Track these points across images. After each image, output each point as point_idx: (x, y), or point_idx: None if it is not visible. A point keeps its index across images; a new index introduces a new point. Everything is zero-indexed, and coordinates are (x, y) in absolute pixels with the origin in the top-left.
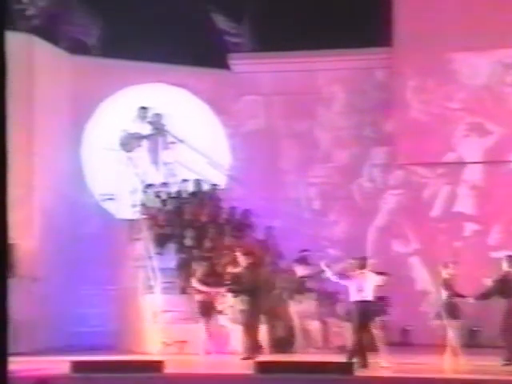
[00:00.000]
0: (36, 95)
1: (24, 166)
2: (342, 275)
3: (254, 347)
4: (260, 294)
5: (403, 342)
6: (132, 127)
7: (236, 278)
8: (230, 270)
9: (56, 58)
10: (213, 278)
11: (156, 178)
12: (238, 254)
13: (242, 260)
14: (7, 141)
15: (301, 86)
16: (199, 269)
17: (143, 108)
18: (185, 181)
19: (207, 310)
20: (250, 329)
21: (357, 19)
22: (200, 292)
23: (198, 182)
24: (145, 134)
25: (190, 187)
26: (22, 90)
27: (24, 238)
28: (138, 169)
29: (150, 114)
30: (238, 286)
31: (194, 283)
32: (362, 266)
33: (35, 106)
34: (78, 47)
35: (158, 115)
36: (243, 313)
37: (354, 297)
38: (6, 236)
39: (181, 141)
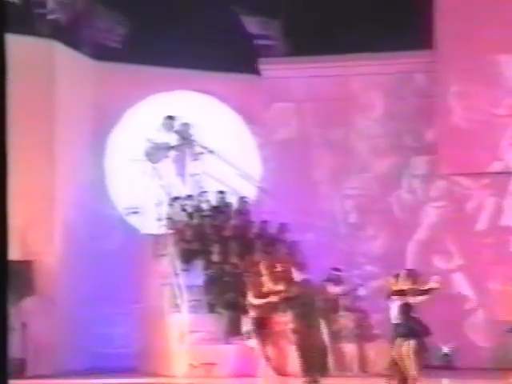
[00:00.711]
0: (57, 103)
1: (45, 178)
2: (385, 294)
3: (313, 370)
4: (313, 312)
5: (445, 366)
6: (158, 137)
7: (287, 295)
8: (277, 286)
9: (78, 64)
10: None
11: (182, 190)
12: (292, 269)
13: (296, 275)
14: (7, 142)
15: (335, 92)
16: (253, 284)
17: (170, 117)
18: (213, 193)
19: (263, 328)
20: (306, 350)
21: (395, 20)
22: (256, 308)
23: (226, 195)
24: (171, 144)
25: (219, 200)
26: (42, 97)
27: (45, 254)
28: (163, 181)
29: (176, 123)
30: (290, 304)
31: (250, 299)
32: (413, 282)
33: (56, 115)
34: (101, 53)
35: (185, 124)
36: (297, 332)
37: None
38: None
39: (209, 151)
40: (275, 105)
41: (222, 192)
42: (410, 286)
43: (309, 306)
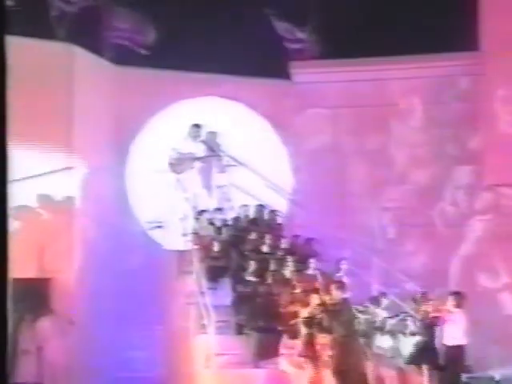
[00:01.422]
0: (76, 111)
1: (62, 190)
2: (433, 315)
3: None
4: (352, 335)
5: None
6: (183, 147)
7: (327, 317)
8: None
9: (98, 68)
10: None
11: (209, 203)
12: (332, 287)
13: (337, 295)
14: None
15: (372, 98)
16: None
17: (196, 126)
18: (241, 206)
19: (314, 351)
20: (344, 375)
21: (436, 20)
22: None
23: (256, 208)
24: (197, 154)
25: (248, 213)
26: (59, 104)
27: (62, 271)
28: (189, 193)
29: (203, 132)
30: (327, 325)
31: (301, 321)
32: (458, 304)
33: (75, 123)
34: (123, 57)
35: (212, 133)
36: (334, 356)
37: (445, 341)
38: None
39: (237, 162)
40: (307, 111)
41: (250, 205)
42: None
43: (347, 328)
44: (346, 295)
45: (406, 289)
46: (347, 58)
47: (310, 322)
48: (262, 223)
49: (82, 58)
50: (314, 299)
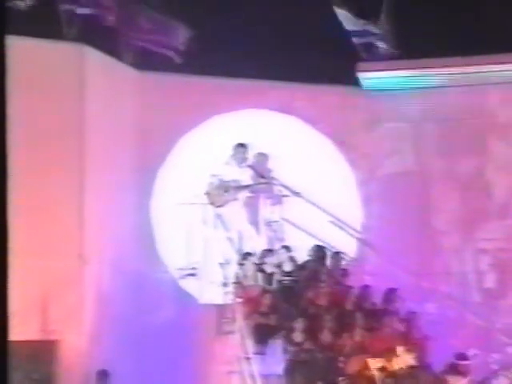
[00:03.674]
0: (89, 126)
1: (72, 228)
2: None
3: None
4: None
5: None
6: (225, 173)
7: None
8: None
9: (117, 75)
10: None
11: (257, 244)
12: (399, 350)
13: (408, 360)
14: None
15: (465, 108)
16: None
17: (241, 146)
18: (298, 248)
19: None
20: None
21: None
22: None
23: (315, 250)
24: (242, 182)
25: (306, 257)
26: (69, 119)
27: (71, 331)
28: (231, 231)
29: (250, 153)
30: None
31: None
32: None
33: (87, 142)
34: (147, 61)
35: (261, 156)
36: None
37: None
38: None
39: (293, 191)
40: (381, 126)
41: (309, 246)
42: None
43: None
44: (425, 361)
45: (509, 354)
46: (431, 57)
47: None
48: (323, 269)
49: (96, 61)
50: (386, 363)
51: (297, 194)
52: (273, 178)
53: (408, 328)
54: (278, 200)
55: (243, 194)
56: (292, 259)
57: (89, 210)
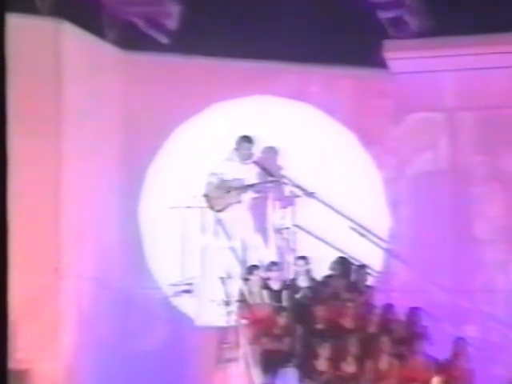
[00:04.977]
0: (65, 116)
1: (47, 237)
2: None
3: None
4: None
5: None
6: (226, 170)
7: None
8: None
9: (99, 55)
10: None
11: (265, 255)
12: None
13: None
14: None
15: (509, 94)
16: None
17: (246, 139)
18: (313, 260)
19: None
20: None
21: None
22: None
23: (334, 262)
24: (248, 181)
25: (323, 271)
26: (43, 107)
27: (45, 358)
28: (234, 240)
29: (256, 148)
30: None
31: None
32: None
33: (64, 137)
34: (134, 39)
35: (269, 150)
36: None
37: None
38: None
39: (307, 193)
40: (411, 116)
41: (326, 258)
42: None
43: None
44: None
45: None
46: (470, 34)
47: None
48: (343, 285)
49: (75, 39)
50: None
51: (312, 195)
52: (283, 176)
53: (444, 355)
54: (289, 202)
55: (248, 196)
56: (309, 273)
57: (66, 214)
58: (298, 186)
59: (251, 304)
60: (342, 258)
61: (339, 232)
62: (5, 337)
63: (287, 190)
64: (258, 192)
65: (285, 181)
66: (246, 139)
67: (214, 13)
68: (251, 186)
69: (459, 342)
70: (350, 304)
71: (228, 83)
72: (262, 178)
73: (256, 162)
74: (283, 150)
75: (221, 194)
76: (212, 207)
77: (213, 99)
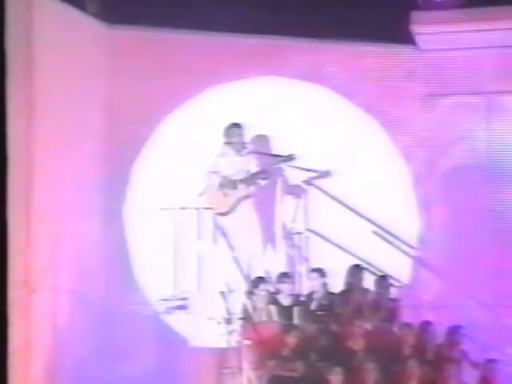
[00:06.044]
0: (38, 98)
1: (16, 245)
2: None
3: None
4: None
5: None
6: (224, 166)
7: None
8: None
9: (78, 29)
10: None
11: (272, 265)
12: None
13: None
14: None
15: None
16: None
17: (234, 125)
18: (329, 271)
19: None
20: None
21: None
22: None
23: (352, 272)
24: (251, 175)
25: (341, 283)
26: (14, 90)
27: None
28: (236, 248)
29: (260, 138)
30: None
31: None
32: None
33: (36, 122)
34: (118, 11)
35: (261, 138)
36: None
37: None
38: None
39: (325, 193)
40: (444, 101)
41: (353, 267)
42: None
43: None
44: None
45: None
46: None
47: None
48: (363, 300)
49: (50, 12)
50: None
51: (328, 194)
52: (293, 170)
53: (483, 381)
54: (300, 191)
55: (256, 187)
56: (324, 287)
57: (38, 218)
58: (311, 184)
59: (256, 322)
60: (359, 266)
61: (360, 238)
62: None
63: (299, 188)
64: (266, 179)
65: (296, 178)
66: (235, 126)
67: None
68: (258, 173)
69: (500, 366)
70: (370, 322)
71: (229, 62)
72: (263, 172)
73: (252, 152)
74: (293, 140)
75: (226, 192)
76: (216, 210)
77: (210, 81)
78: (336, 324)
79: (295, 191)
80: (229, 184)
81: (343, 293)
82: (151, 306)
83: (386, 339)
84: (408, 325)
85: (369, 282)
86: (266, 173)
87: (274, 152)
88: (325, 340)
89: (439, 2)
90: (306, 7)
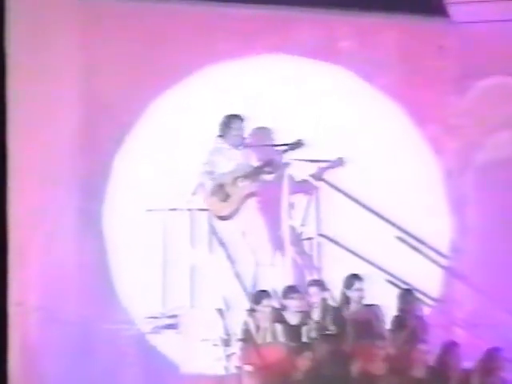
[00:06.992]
0: (11, 82)
1: None
2: None
3: None
4: None
5: None
6: (221, 161)
7: None
8: None
9: (50, 1)
10: None
11: (278, 276)
12: None
13: None
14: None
15: None
16: None
17: (236, 117)
18: (345, 282)
19: None
20: None
21: None
22: None
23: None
24: (255, 172)
25: (356, 296)
26: None
27: None
28: (235, 256)
29: (251, 129)
30: None
31: None
32: None
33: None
34: None
35: (262, 131)
36: None
37: None
38: None
39: (340, 191)
40: (480, 83)
41: (361, 280)
42: None
43: None
44: None
45: None
46: None
47: None
48: (385, 316)
49: None
50: None
51: (344, 192)
52: (302, 164)
53: None
54: (310, 187)
55: (260, 183)
56: (345, 302)
57: (9, 220)
58: (325, 181)
59: (259, 343)
60: (354, 276)
61: (381, 244)
62: None
63: (310, 185)
64: (273, 172)
65: (307, 174)
66: (234, 117)
67: None
68: (263, 165)
69: None
70: (392, 343)
71: (227, 37)
72: (266, 169)
73: (253, 144)
74: (301, 128)
75: (228, 191)
76: (216, 214)
77: (205, 60)
78: (352, 343)
79: (305, 188)
80: (230, 182)
81: (361, 308)
82: (135, 326)
83: (411, 362)
84: (436, 345)
85: (391, 296)
86: (271, 164)
87: (278, 142)
88: (341, 364)
89: None
90: None
